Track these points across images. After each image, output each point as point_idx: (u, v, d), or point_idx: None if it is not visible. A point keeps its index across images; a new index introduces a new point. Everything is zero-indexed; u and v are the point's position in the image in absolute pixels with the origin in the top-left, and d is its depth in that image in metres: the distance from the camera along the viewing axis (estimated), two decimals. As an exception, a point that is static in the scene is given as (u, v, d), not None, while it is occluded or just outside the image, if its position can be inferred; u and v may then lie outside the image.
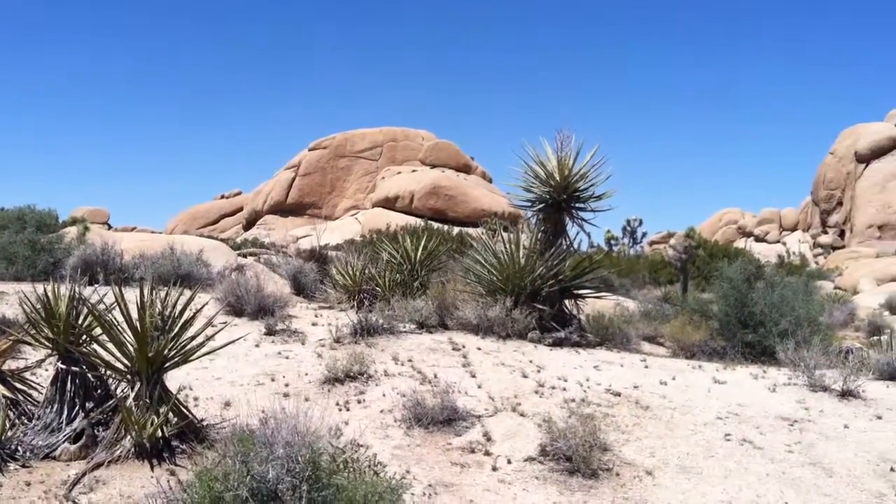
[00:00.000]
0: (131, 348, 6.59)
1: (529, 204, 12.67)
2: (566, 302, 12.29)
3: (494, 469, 6.56)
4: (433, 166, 70.81)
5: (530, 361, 9.71)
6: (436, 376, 8.64)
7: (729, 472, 6.75)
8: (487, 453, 6.84)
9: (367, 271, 13.31)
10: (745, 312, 12.18)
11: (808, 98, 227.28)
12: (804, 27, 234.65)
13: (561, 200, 12.13)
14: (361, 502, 4.03)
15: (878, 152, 74.34)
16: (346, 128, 79.25)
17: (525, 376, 8.98)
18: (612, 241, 55.75)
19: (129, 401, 6.44)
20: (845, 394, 9.19)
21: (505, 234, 12.69)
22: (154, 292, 6.82)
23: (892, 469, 7.05)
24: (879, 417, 8.51)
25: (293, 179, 76.04)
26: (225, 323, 9.13)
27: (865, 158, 74.76)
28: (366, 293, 12.95)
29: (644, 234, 57.20)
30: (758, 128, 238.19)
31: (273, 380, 8.60)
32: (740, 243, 75.94)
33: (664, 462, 6.88)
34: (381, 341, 10.12)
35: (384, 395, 8.11)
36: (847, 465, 7.07)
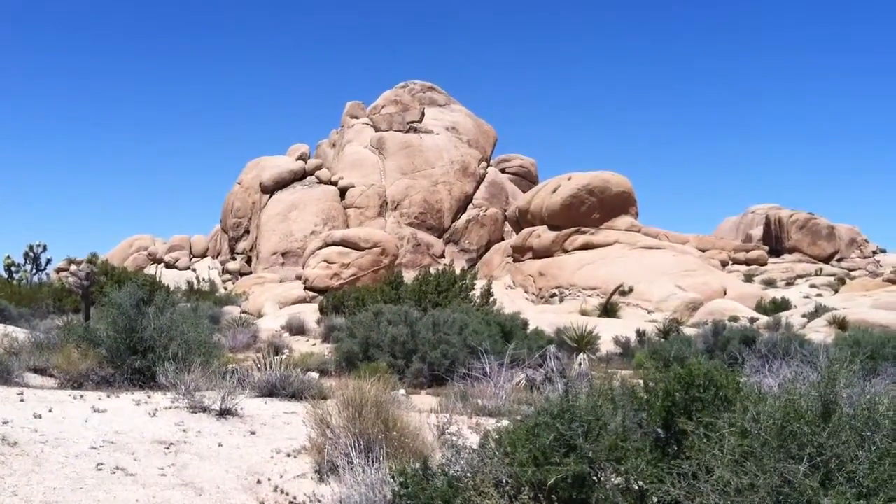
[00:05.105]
0: None
1: None
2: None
3: None
4: None
5: None
6: None
7: (98, 503, 6.61)
8: None
9: None
10: (134, 338, 12.11)
11: (220, 130, 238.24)
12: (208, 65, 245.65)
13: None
14: None
15: (281, 184, 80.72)
16: None
17: None
18: (14, 268, 51.70)
19: None
20: (224, 413, 9.63)
21: None
22: None
23: (258, 482, 7.55)
24: (253, 433, 9.10)
25: None
26: None
27: (269, 189, 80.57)
28: None
29: (49, 261, 54.22)
30: (172, 160, 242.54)
31: None
32: (151, 269, 75.85)
33: (27, 500, 6.48)
34: None
35: None
36: (217, 483, 7.39)
